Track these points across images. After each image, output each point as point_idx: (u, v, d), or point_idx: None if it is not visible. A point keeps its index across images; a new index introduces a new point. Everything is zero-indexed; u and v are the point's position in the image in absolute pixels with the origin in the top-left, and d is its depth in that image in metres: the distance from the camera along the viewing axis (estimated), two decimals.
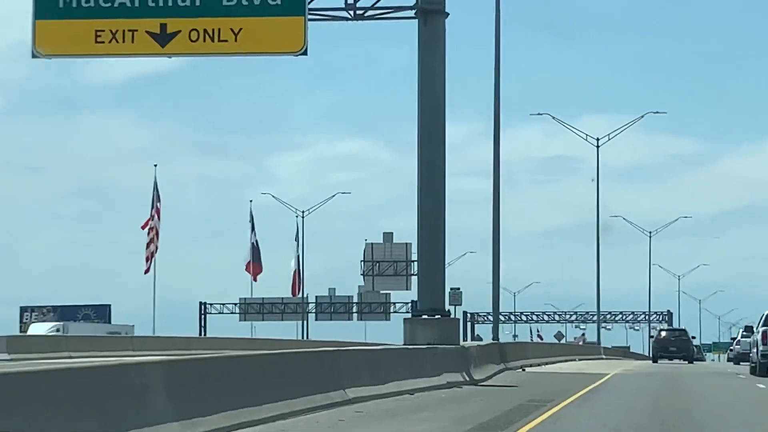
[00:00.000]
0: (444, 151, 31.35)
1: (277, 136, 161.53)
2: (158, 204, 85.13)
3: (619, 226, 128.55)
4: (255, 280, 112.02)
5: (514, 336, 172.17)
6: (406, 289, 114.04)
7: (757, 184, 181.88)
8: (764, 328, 39.81)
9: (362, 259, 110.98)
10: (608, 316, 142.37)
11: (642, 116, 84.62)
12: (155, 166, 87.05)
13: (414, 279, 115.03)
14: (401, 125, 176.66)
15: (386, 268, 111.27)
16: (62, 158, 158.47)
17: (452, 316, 34.47)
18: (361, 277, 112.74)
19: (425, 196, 30.89)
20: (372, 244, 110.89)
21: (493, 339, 42.13)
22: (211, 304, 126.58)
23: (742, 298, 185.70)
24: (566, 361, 59.67)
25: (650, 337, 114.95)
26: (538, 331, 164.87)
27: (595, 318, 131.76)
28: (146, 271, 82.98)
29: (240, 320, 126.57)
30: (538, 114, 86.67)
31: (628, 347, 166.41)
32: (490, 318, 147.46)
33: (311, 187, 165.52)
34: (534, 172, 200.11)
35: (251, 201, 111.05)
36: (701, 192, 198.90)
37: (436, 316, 30.64)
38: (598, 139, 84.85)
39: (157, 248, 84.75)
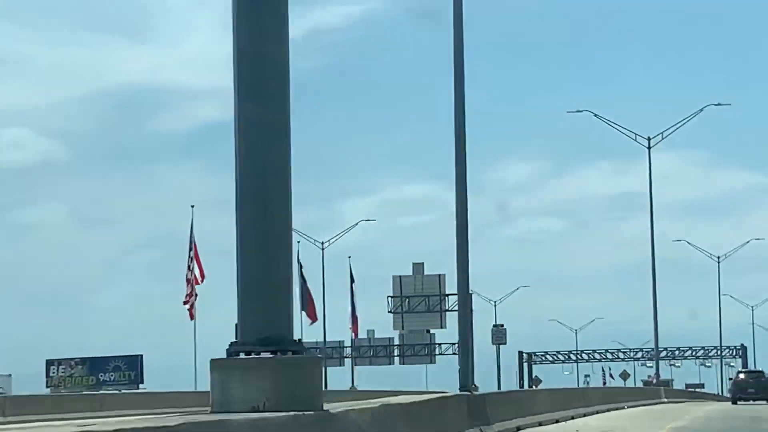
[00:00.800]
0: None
1: (345, 180, 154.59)
2: (194, 248, 76.64)
3: (692, 261, 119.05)
4: (311, 323, 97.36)
5: (586, 377, 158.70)
6: (441, 328, 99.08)
7: None
8: None
9: (390, 294, 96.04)
10: (677, 353, 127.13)
11: (701, 110, 69.58)
12: (192, 207, 78.89)
13: (450, 315, 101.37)
14: (471, 164, 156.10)
15: (417, 304, 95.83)
16: (131, 210, 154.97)
17: (310, 352, 18.04)
18: (390, 315, 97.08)
19: (245, 150, 15.62)
20: (400, 277, 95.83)
21: (461, 388, 26.44)
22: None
23: None
24: (604, 411, 44.18)
25: (729, 378, 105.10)
26: (609, 370, 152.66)
27: (662, 354, 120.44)
28: (191, 317, 76.61)
29: None
30: (578, 111, 71.72)
31: (702, 384, 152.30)
32: (549, 357, 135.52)
33: (381, 231, 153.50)
34: (603, 210, 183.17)
35: (299, 242, 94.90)
36: None
37: (272, 355, 15.21)
38: (649, 139, 69.72)
39: (196, 295, 77.14)
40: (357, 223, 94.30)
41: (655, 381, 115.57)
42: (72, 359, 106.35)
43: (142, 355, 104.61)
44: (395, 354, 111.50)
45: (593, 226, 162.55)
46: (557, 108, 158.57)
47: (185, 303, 76.67)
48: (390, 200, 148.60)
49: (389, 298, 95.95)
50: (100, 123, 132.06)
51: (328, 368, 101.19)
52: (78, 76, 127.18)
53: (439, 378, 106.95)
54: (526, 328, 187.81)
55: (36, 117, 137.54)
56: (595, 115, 69.81)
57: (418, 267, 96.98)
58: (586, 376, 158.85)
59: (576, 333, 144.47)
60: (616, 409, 47.31)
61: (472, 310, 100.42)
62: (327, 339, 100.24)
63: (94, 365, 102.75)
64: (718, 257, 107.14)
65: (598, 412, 42.60)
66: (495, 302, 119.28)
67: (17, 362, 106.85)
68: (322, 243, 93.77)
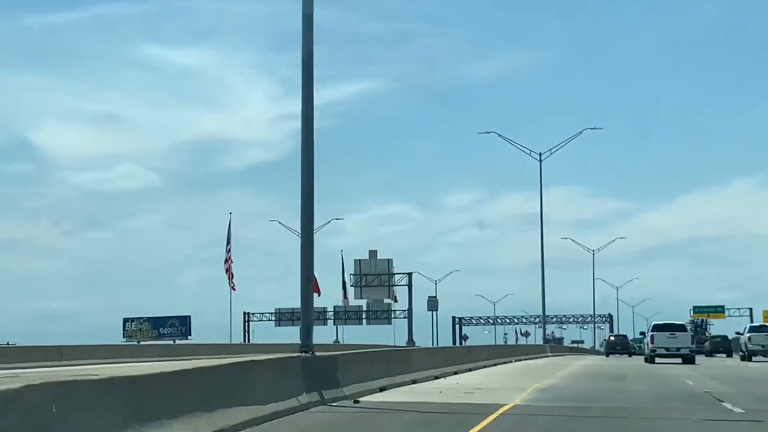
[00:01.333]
0: None
1: (347, 202, 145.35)
2: (230, 241, 71.97)
3: (577, 256, 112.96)
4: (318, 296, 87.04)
5: (505, 335, 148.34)
6: (388, 298, 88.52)
7: (666, 229, 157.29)
8: (652, 333, 42.69)
9: (352, 272, 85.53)
10: (563, 318, 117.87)
11: (580, 132, 59.22)
12: (230, 213, 73.09)
13: (398, 289, 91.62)
14: (431, 192, 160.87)
15: (372, 280, 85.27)
16: (203, 220, 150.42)
17: None
18: (352, 288, 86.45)
19: None
20: (359, 260, 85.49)
21: (302, 349, 15.64)
22: (252, 314, 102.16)
23: (663, 305, 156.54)
24: (490, 366, 33.52)
25: (603, 340, 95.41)
26: (521, 330, 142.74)
27: (554, 319, 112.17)
28: (232, 288, 72.01)
29: (275, 326, 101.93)
30: (486, 132, 61.39)
31: (582, 341, 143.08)
32: (474, 321, 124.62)
33: (369, 236, 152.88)
34: (519, 225, 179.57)
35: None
36: (631, 234, 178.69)
37: None
38: (540, 154, 59.37)
39: (232, 275, 72.21)
40: (329, 221, 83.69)
41: (552, 339, 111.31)
42: (141, 318, 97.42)
43: (190, 316, 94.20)
44: (363, 317, 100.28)
45: (511, 234, 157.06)
46: (488, 150, 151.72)
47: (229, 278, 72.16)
48: (375, 216, 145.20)
49: (351, 275, 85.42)
50: (184, 162, 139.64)
51: (316, 326, 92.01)
52: (170, 130, 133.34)
53: (393, 336, 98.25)
54: (461, 301, 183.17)
55: (141, 157, 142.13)
56: (499, 135, 59.48)
57: (372, 253, 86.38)
58: (505, 334, 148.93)
59: (494, 304, 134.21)
60: (504, 363, 36.83)
61: (411, 286, 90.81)
62: (315, 306, 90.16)
63: (157, 322, 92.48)
64: (593, 251, 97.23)
65: (485, 367, 32.11)
66: (436, 281, 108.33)
67: (116, 320, 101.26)
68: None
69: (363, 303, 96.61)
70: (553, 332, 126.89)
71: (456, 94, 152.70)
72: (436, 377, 23.98)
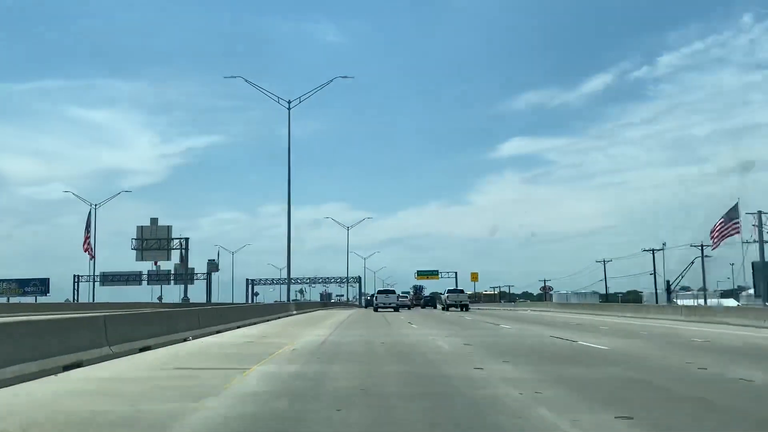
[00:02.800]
0: None
1: (200, 209, 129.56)
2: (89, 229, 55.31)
3: (339, 239, 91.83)
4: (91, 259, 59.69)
5: (297, 291, 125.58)
6: (167, 260, 62.50)
7: (393, 229, 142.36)
8: (376, 294, 43.06)
9: (134, 237, 59.65)
10: (329, 279, 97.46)
11: (331, 80, 38.31)
12: (90, 206, 55.74)
13: (174, 253, 66.19)
14: (255, 204, 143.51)
15: (152, 244, 59.12)
16: (105, 221, 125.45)
17: None
18: (134, 252, 59.79)
19: None
20: (141, 226, 59.78)
21: None
22: (80, 276, 74.11)
23: (395, 272, 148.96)
24: (199, 335, 10.90)
25: (366, 296, 79.73)
26: (299, 289, 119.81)
27: (307, 279, 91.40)
28: (91, 257, 55.72)
29: (100, 286, 73.91)
30: (232, 77, 38.88)
31: (343, 295, 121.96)
32: (263, 282, 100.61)
33: (216, 230, 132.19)
34: (308, 222, 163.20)
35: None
36: (372, 231, 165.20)
37: None
38: (289, 102, 37.66)
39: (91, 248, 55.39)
40: (119, 192, 57.83)
41: (324, 294, 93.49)
42: (10, 279, 74.69)
43: (49, 278, 75.16)
44: (172, 279, 73.15)
45: (303, 228, 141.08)
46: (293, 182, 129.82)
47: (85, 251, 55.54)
48: (219, 218, 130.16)
49: (132, 239, 58.97)
50: (96, 180, 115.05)
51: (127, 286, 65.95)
52: (87, 161, 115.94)
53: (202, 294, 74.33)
54: (258, 269, 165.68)
55: (66, 179, 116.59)
56: (246, 80, 37.15)
57: (154, 220, 60.25)
58: (297, 291, 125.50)
59: (280, 271, 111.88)
60: (250, 325, 14.34)
61: (188, 249, 64.99)
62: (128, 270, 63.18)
63: (23, 283, 74.40)
64: (348, 227, 77.27)
65: (165, 346, 9.48)
66: (233, 252, 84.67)
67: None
68: (95, 205, 55.82)
69: (171, 266, 70.19)
70: (325, 289, 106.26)
71: (273, 144, 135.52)
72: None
